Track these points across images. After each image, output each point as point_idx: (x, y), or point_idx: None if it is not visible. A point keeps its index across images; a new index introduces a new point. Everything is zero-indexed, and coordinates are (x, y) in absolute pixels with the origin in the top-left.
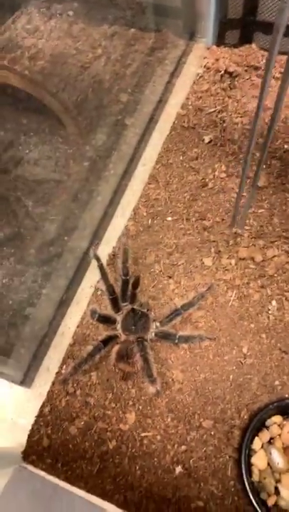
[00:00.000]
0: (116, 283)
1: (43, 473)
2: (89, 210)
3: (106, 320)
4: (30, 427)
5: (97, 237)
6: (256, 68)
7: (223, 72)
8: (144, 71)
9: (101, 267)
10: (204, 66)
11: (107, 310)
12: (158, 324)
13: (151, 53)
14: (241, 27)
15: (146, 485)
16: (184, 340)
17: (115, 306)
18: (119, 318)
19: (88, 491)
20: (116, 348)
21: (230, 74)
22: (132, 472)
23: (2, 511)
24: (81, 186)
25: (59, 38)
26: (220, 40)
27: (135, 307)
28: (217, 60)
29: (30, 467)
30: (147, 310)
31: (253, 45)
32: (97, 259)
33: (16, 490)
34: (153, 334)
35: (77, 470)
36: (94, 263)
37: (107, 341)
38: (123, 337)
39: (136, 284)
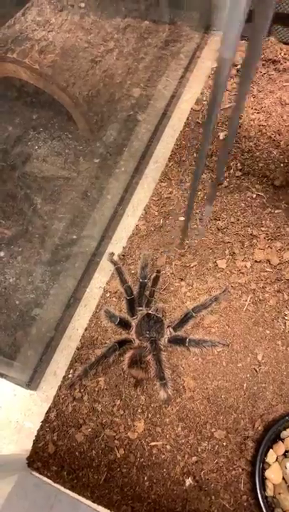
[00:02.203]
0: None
1: (48, 481)
2: (98, 208)
3: (124, 324)
4: (35, 432)
5: (106, 236)
6: (274, 62)
7: (239, 66)
8: (157, 65)
9: (118, 269)
10: None
11: (120, 313)
12: (172, 330)
13: (165, 46)
14: None
15: (154, 496)
16: (194, 344)
17: (131, 308)
18: (133, 322)
19: (94, 501)
20: (129, 353)
21: None
22: (140, 483)
23: None
24: (91, 184)
25: (70, 31)
26: None
27: (151, 312)
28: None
29: (35, 474)
30: (162, 315)
31: (272, 38)
32: (115, 263)
33: (20, 498)
34: (166, 340)
35: (83, 479)
36: (102, 264)
37: (121, 344)
38: (137, 342)
39: (156, 281)
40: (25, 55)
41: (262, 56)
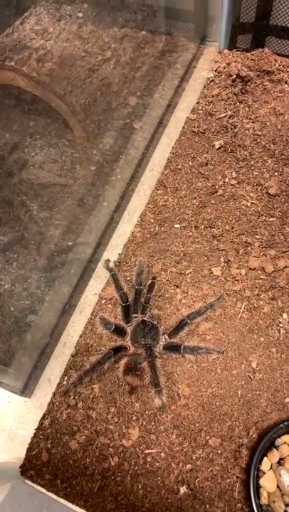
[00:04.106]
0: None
1: (41, 490)
2: (94, 215)
3: (119, 331)
4: (29, 440)
5: (102, 243)
6: (269, 73)
7: (234, 76)
8: (154, 74)
9: (114, 276)
10: (215, 70)
11: (115, 320)
12: (167, 337)
13: (162, 56)
14: (254, 31)
15: (148, 505)
16: (189, 351)
17: (126, 315)
18: (128, 329)
19: (88, 510)
20: (124, 360)
21: (242, 78)
22: (135, 491)
23: None
24: (87, 191)
25: (68, 40)
26: (232, 44)
27: (146, 319)
28: (228, 64)
29: (29, 483)
30: (157, 322)
31: (266, 50)
32: (110, 269)
33: (12, 507)
34: (161, 347)
35: (77, 487)
36: (98, 270)
37: (116, 351)
38: (132, 349)
39: (151, 287)
40: (23, 64)
41: (257, 67)
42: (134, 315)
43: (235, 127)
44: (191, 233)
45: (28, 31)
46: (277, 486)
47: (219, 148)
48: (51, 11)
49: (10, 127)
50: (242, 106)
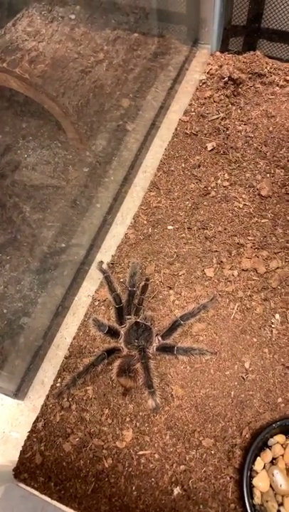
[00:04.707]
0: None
1: (35, 493)
2: (87, 217)
3: (112, 333)
4: (22, 442)
5: (95, 244)
6: (260, 75)
7: (226, 78)
8: (147, 76)
9: (107, 277)
10: (207, 72)
11: (108, 322)
12: (160, 339)
13: (154, 59)
14: (245, 34)
15: (142, 506)
16: (182, 352)
17: (120, 317)
18: (122, 331)
19: None
20: (118, 362)
21: (234, 81)
22: (128, 492)
23: None
24: (80, 193)
25: (60, 42)
26: (224, 47)
27: (139, 320)
28: (221, 66)
29: (22, 486)
30: (151, 324)
31: (258, 52)
32: (103, 271)
33: (6, 510)
34: (155, 349)
35: (70, 489)
36: (91, 272)
37: (109, 353)
38: (125, 350)
39: (144, 289)
40: (15, 65)
41: (248, 70)
42: (128, 316)
43: (227, 129)
44: (184, 235)
45: (20, 33)
46: (270, 486)
47: (212, 150)
48: (43, 13)
49: (2, 129)
50: (234, 108)
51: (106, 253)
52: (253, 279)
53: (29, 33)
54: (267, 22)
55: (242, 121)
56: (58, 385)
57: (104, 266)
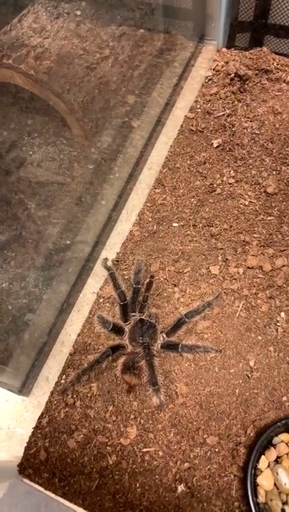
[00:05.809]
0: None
1: (39, 488)
2: (93, 214)
3: (117, 330)
4: (27, 438)
5: (100, 241)
6: (267, 72)
7: (233, 75)
8: (152, 73)
9: (112, 274)
10: (214, 69)
11: (113, 319)
12: (165, 336)
13: (160, 55)
14: (252, 30)
15: (146, 503)
16: (187, 350)
17: (124, 314)
18: (126, 328)
19: (86, 508)
20: (122, 359)
21: (241, 77)
22: (132, 489)
23: None
24: (85, 189)
25: (66, 38)
26: (230, 43)
27: (144, 317)
28: (227, 62)
29: (27, 481)
30: (155, 321)
31: (264, 48)
32: (108, 268)
33: (10, 505)
34: (159, 346)
35: (75, 486)
36: (96, 269)
37: (114, 350)
38: (130, 348)
39: (149, 286)
40: (21, 61)
41: (255, 66)
42: (132, 314)
43: (233, 126)
44: (189, 232)
45: (25, 29)
46: (275, 485)
47: (217, 147)
48: (49, 9)
49: (8, 125)
50: (240, 105)
51: (111, 250)
52: (259, 277)
53: (35, 29)
54: (274, 18)
55: (248, 118)
56: (62, 381)
57: (109, 263)
